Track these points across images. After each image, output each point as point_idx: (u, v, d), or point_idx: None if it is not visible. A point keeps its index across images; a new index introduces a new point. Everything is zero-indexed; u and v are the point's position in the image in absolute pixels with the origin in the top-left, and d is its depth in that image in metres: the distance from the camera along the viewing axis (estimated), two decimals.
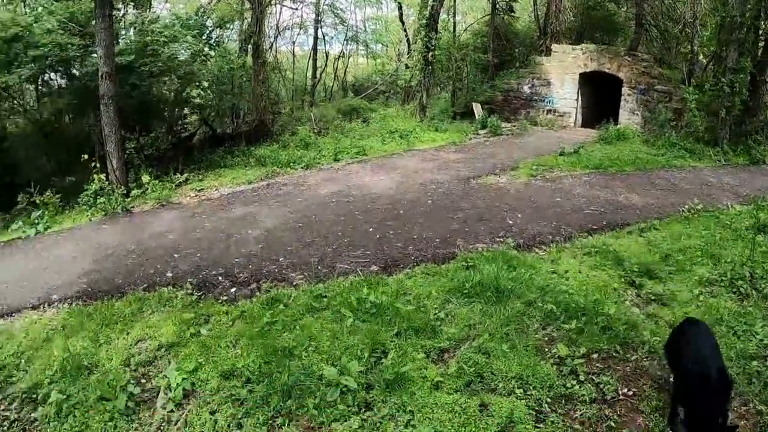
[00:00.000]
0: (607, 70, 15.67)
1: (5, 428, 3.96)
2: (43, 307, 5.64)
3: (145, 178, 10.14)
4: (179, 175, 11.02)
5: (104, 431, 3.79)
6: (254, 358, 4.27)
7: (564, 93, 16.78)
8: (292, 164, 11.85)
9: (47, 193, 9.77)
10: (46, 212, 9.34)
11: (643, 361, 4.17)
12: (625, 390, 3.86)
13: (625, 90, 15.39)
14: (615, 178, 9.67)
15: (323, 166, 11.95)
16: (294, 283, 5.78)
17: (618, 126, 14.22)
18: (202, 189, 10.36)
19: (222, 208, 8.92)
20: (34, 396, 4.21)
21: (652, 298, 5.13)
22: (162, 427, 3.81)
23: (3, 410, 4.16)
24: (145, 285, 5.96)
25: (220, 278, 6.08)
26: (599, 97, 16.75)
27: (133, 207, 9.41)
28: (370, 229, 7.34)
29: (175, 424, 3.82)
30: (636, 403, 3.74)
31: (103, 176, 9.70)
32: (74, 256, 7.02)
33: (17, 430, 3.95)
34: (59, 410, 3.97)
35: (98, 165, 9.82)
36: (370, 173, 10.97)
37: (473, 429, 3.44)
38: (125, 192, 9.76)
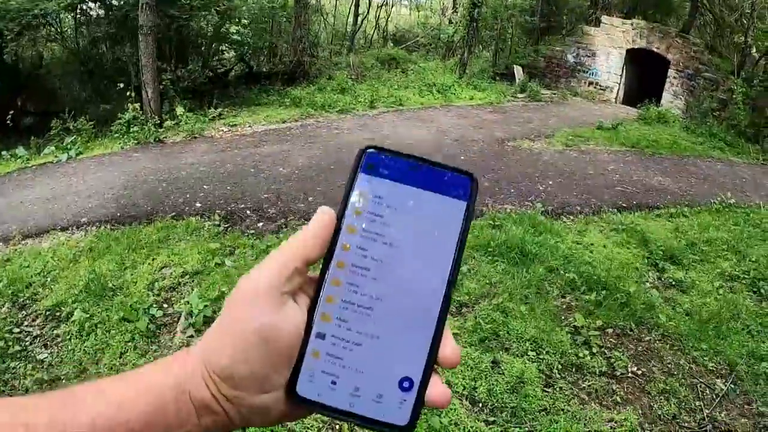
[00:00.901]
0: (655, 49, 15.01)
1: (28, 343, 4.02)
2: (72, 230, 5.68)
3: (179, 110, 10.00)
4: (213, 110, 10.85)
5: (124, 350, 3.84)
6: None
7: (608, 67, 16.16)
8: (327, 108, 11.62)
9: (81, 120, 9.74)
10: (79, 139, 9.36)
11: (656, 344, 4.11)
12: (635, 368, 3.82)
13: (671, 72, 14.77)
14: (650, 159, 9.39)
15: (358, 112, 11.72)
16: None
17: (659, 108, 13.70)
18: (235, 125, 10.21)
19: (254, 145, 8.81)
20: (58, 314, 4.27)
21: (673, 283, 5.03)
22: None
23: (27, 326, 4.23)
24: (173, 213, 5.94)
25: (248, 212, 6.06)
26: (643, 76, 16.11)
27: (165, 138, 9.34)
28: None
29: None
30: (643, 383, 3.69)
31: (137, 106, 9.60)
32: (105, 181, 7.00)
33: (39, 345, 4.01)
34: (81, 328, 4.03)
35: (133, 95, 9.72)
36: (405, 124, 10.75)
37: (483, 383, 3.43)
38: (158, 122, 9.66)
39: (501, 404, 3.31)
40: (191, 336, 3.96)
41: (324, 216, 0.53)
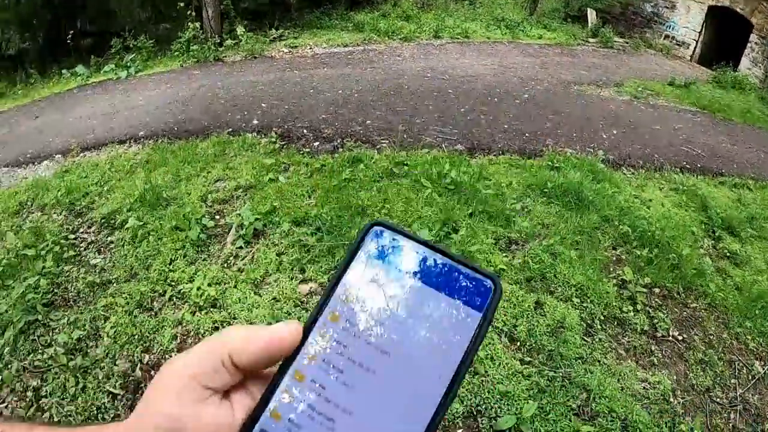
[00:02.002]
0: (739, 10, 13.69)
1: (82, 249, 4.07)
2: (129, 143, 5.70)
3: (240, 30, 9.75)
4: (274, 31, 10.48)
5: (174, 258, 3.85)
6: (327, 210, 4.17)
7: (687, 22, 14.90)
8: (390, 34, 11.08)
9: (141, 38, 9.61)
10: (139, 57, 9.33)
11: (701, 312, 3.87)
12: (676, 333, 3.62)
13: (753, 37, 13.53)
14: (720, 124, 8.73)
15: (422, 41, 11.14)
16: (377, 147, 5.56)
17: (736, 73, 12.69)
18: (296, 46, 9.88)
19: (314, 66, 8.55)
20: (113, 221, 4.30)
21: (727, 254, 4.70)
22: (229, 261, 3.83)
23: (82, 233, 4.27)
24: (230, 129, 5.85)
25: (304, 131, 5.89)
26: (723, 37, 14.87)
27: (225, 57, 9.21)
28: (462, 110, 6.90)
29: (242, 260, 3.83)
30: (683, 350, 3.50)
31: (197, 25, 9.39)
32: (163, 98, 6.98)
33: (93, 251, 4.06)
34: (134, 235, 4.05)
35: (193, 14, 9.50)
36: (470, 57, 10.20)
37: (524, 322, 3.29)
38: (218, 42, 9.48)
39: (539, 346, 3.17)
40: (240, 247, 3.93)
41: (285, 329, 0.44)
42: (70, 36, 9.92)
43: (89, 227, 4.34)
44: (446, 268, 0.45)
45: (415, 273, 0.45)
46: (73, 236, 4.23)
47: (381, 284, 0.45)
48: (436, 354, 0.42)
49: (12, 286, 3.60)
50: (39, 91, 8.90)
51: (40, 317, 3.43)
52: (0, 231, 4.35)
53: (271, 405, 0.43)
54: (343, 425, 0.41)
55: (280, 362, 0.44)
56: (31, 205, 4.75)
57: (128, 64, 8.99)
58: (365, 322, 0.44)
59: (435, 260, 0.45)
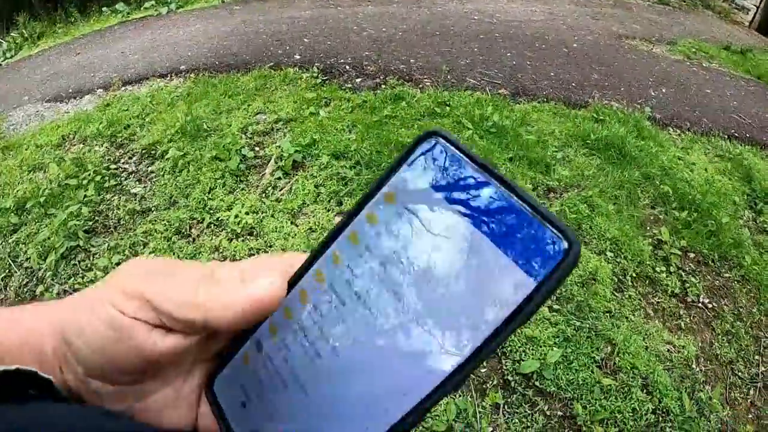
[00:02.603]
0: None
1: (123, 178, 4.09)
2: (170, 76, 5.61)
3: None
4: None
5: (213, 186, 3.84)
6: (367, 146, 4.09)
7: None
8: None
9: None
10: None
11: (734, 283, 3.75)
12: (706, 300, 3.52)
13: None
14: None
15: None
16: (420, 86, 5.39)
17: None
18: None
19: (358, 3, 8.23)
20: (153, 152, 4.29)
21: (767, 229, 4.53)
22: (267, 191, 3.82)
23: (123, 163, 4.28)
24: (271, 63, 5.69)
25: (347, 67, 5.70)
26: None
27: None
28: (508, 54, 6.61)
29: (280, 190, 3.81)
30: (711, 318, 3.41)
31: None
32: (204, 32, 6.84)
33: (133, 180, 4.07)
34: (175, 165, 4.04)
35: None
36: (519, 2, 9.71)
37: None
38: None
39: (569, 295, 3.10)
40: (279, 178, 3.91)
41: (266, 289, 0.37)
42: None
43: (130, 158, 4.35)
44: (508, 211, 0.33)
45: (463, 209, 0.34)
46: (114, 166, 4.26)
47: (418, 214, 0.36)
48: (459, 319, 0.33)
49: (54, 215, 3.68)
50: (79, 29, 8.82)
51: (81, 243, 3.49)
52: (43, 162, 4.40)
53: (278, 312, 0.39)
54: (329, 361, 0.37)
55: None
56: (73, 137, 4.76)
57: (169, 0, 8.77)
58: (387, 253, 0.36)
59: (496, 197, 0.33)
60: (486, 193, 0.34)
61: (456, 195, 0.35)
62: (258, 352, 0.40)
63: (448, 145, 0.36)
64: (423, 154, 0.37)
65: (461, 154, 0.36)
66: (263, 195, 3.80)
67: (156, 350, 0.36)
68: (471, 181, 0.35)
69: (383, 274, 0.36)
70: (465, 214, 0.34)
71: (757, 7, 14.09)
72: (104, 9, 9.24)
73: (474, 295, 0.33)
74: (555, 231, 0.32)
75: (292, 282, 0.40)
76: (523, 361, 2.72)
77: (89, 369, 0.37)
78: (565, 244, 0.31)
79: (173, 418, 0.41)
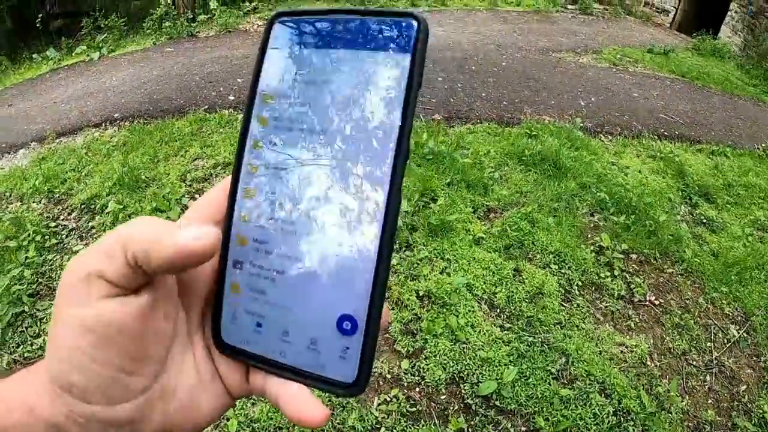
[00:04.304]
0: None
1: (64, 236, 4.06)
2: (105, 125, 5.64)
3: (213, 4, 9.66)
4: (247, 3, 10.40)
5: None
6: None
7: None
8: (366, 4, 10.90)
9: (112, 17, 9.49)
10: (111, 36, 9.26)
11: (678, 278, 3.99)
12: (653, 298, 3.72)
13: (733, 6, 13.64)
14: (699, 92, 8.86)
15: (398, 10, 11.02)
16: None
17: (716, 41, 12.86)
18: None
19: None
20: (93, 206, 4.28)
21: (704, 221, 4.83)
22: None
23: (62, 220, 4.25)
24: (206, 106, 5.80)
25: None
26: (703, 4, 15.01)
27: (198, 32, 9.11)
28: (439, 79, 6.89)
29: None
30: (659, 314, 3.61)
31: (169, 1, 9.36)
32: (137, 77, 6.90)
33: (75, 237, 4.05)
34: (115, 219, 4.05)
35: None
36: (447, 25, 10.19)
37: (503, 289, 3.35)
38: (191, 17, 9.42)
39: (518, 312, 3.25)
40: None
41: (198, 236, 0.37)
42: (39, 19, 9.74)
43: (69, 214, 4.32)
44: (359, 25, 0.40)
45: (327, 46, 0.41)
46: (54, 224, 4.21)
47: (300, 70, 0.41)
48: (377, 113, 0.39)
49: None
50: (10, 78, 8.76)
51: (26, 308, 3.44)
52: None
53: (235, 222, 0.42)
54: (302, 223, 0.40)
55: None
56: (10, 195, 4.70)
57: (100, 44, 8.87)
58: (293, 115, 0.41)
59: (346, 23, 0.41)
60: (339, 25, 0.41)
61: (319, 42, 0.41)
62: (240, 270, 0.41)
63: (291, 18, 0.43)
64: (277, 35, 0.43)
65: (306, 16, 0.42)
66: None
67: (132, 312, 0.37)
68: (325, 25, 0.41)
69: (296, 140, 0.41)
70: (332, 49, 0.41)
71: (677, 8, 15.00)
72: (34, 56, 9.19)
73: (377, 88, 0.39)
74: (403, 16, 0.40)
75: (230, 202, 0.43)
76: (480, 383, 2.83)
77: (99, 397, 0.37)
78: (413, 19, 0.39)
79: (211, 401, 0.43)
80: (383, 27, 0.40)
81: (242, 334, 0.41)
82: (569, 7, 14.30)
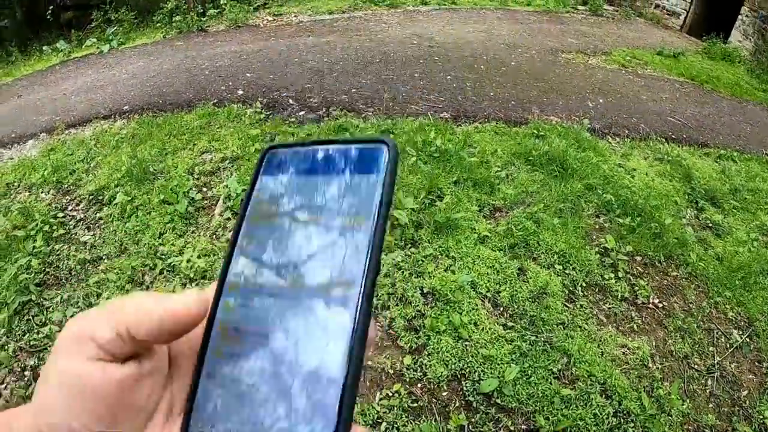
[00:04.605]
0: None
1: (71, 226, 4.12)
2: (114, 117, 5.69)
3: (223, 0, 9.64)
4: None
5: (163, 231, 3.91)
6: None
7: None
8: (375, 1, 10.95)
9: (122, 10, 9.50)
10: (121, 29, 9.27)
11: (682, 281, 3.99)
12: (656, 301, 3.73)
13: (744, 10, 13.56)
14: (708, 95, 8.83)
15: (409, 7, 11.01)
16: (363, 115, 5.58)
17: (726, 45, 12.78)
18: (280, 14, 9.82)
19: (299, 34, 8.51)
20: (101, 197, 4.34)
21: (709, 225, 4.82)
22: (217, 232, 3.89)
23: (70, 210, 4.32)
24: (215, 101, 5.83)
25: (290, 101, 5.87)
26: (714, 7, 14.93)
27: (208, 27, 9.14)
28: (448, 77, 6.89)
29: (230, 230, 3.85)
30: (662, 317, 3.62)
31: None
32: (147, 70, 6.94)
33: (82, 228, 4.11)
34: (123, 210, 4.11)
35: None
36: (457, 24, 10.13)
37: (507, 288, 3.37)
38: (201, 11, 9.41)
39: (521, 311, 3.26)
40: (228, 218, 3.99)
41: (184, 302, 0.41)
42: (49, 11, 9.76)
43: (78, 204, 4.37)
44: (336, 154, 0.44)
45: (307, 174, 0.45)
46: (62, 214, 4.27)
47: (282, 196, 0.45)
48: (349, 233, 0.41)
49: (4, 268, 3.68)
50: (20, 69, 8.82)
51: (33, 297, 3.50)
52: None
53: (213, 335, 0.43)
54: (272, 343, 0.40)
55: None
56: (18, 185, 4.76)
57: (110, 37, 8.90)
58: (273, 237, 0.44)
59: (325, 152, 0.44)
60: (318, 155, 0.45)
61: (299, 172, 0.45)
62: (212, 379, 0.42)
63: (282, 150, 0.47)
64: (268, 165, 0.47)
65: (296, 147, 0.46)
66: (213, 237, 3.85)
67: (111, 380, 0.38)
68: (307, 156, 0.45)
69: (273, 260, 0.43)
70: (311, 178, 0.44)
71: (687, 11, 14.92)
72: (45, 48, 9.25)
73: (349, 208, 0.41)
74: (374, 142, 0.43)
75: (212, 311, 0.44)
76: (482, 380, 2.85)
77: None
78: (383, 144, 0.42)
79: None
80: (358, 153, 0.43)
81: None
82: (579, 8, 14.25)
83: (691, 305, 3.80)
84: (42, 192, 4.56)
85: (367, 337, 0.38)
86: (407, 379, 2.88)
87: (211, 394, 0.42)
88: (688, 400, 3.15)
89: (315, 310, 0.40)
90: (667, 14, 15.17)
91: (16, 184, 4.77)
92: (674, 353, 3.40)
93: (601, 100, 7.03)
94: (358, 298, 0.39)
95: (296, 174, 0.45)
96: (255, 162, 0.47)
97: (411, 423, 2.68)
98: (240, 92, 6.08)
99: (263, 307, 0.42)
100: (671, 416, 3.00)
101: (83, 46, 8.92)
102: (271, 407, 0.39)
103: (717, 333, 3.65)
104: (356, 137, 0.45)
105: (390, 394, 2.80)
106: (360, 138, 0.44)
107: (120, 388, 0.39)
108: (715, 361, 3.44)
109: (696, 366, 3.39)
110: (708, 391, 3.28)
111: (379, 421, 2.68)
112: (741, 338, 3.66)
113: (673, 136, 6.48)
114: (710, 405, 3.20)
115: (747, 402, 3.25)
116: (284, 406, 0.39)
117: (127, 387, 0.40)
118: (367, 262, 0.39)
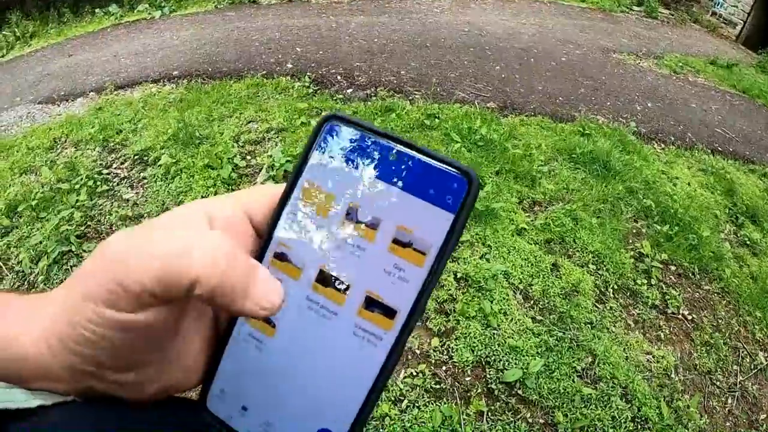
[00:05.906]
0: None
1: (115, 183, 4.17)
2: (163, 82, 5.73)
3: None
4: None
5: (205, 194, 3.90)
6: None
7: (736, 0, 14.39)
8: None
9: None
10: None
11: (713, 296, 3.91)
12: (686, 312, 3.66)
13: None
14: (759, 111, 8.52)
15: None
16: (410, 98, 5.55)
17: None
18: None
19: (351, 13, 8.43)
20: (146, 158, 4.39)
21: (747, 242, 4.69)
22: None
23: (115, 168, 4.36)
24: (264, 72, 5.85)
25: (338, 77, 5.88)
26: None
27: None
28: (497, 68, 6.79)
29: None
30: (690, 329, 3.55)
31: None
32: (197, 38, 6.95)
33: (126, 186, 4.16)
34: (167, 172, 4.15)
35: None
36: (509, 14, 9.93)
37: (539, 282, 3.34)
38: None
39: (551, 306, 3.23)
40: None
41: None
42: None
43: (122, 163, 4.42)
44: (413, 165, 0.38)
45: (375, 174, 0.39)
46: (106, 171, 4.33)
47: (334, 188, 0.40)
48: (403, 264, 0.38)
49: (47, 219, 3.74)
50: (72, 30, 8.85)
51: (73, 248, 3.55)
52: (35, 166, 4.46)
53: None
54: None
55: None
56: (65, 140, 4.82)
57: (162, 3, 8.87)
58: (316, 236, 0.40)
59: (400, 156, 0.39)
60: (392, 156, 0.39)
61: (365, 166, 0.39)
62: (240, 350, 0.41)
63: (344, 124, 0.41)
64: (326, 136, 0.41)
65: (359, 129, 0.40)
66: None
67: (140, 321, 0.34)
68: (374, 148, 0.39)
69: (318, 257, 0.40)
70: (379, 179, 0.39)
71: (744, 22, 14.39)
72: (97, 10, 9.28)
73: (416, 234, 0.38)
74: (458, 171, 0.38)
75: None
76: (506, 370, 2.85)
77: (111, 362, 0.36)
78: (466, 179, 0.37)
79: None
80: (436, 174, 0.38)
81: (227, 410, 0.41)
82: (634, 8, 13.83)
83: (720, 321, 3.72)
84: (88, 149, 4.61)
85: (401, 352, 0.38)
86: (433, 361, 2.88)
87: (232, 375, 0.41)
88: (706, 416, 3.10)
89: (358, 317, 0.39)
90: (723, 23, 14.65)
91: (63, 139, 4.83)
92: (698, 367, 3.34)
93: (649, 104, 6.86)
94: (400, 331, 0.38)
95: (360, 163, 0.40)
96: (312, 129, 0.42)
97: (432, 404, 2.69)
98: (289, 65, 6.09)
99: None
100: (687, 429, 2.96)
101: (135, 11, 8.93)
102: (292, 391, 0.39)
103: (743, 352, 3.58)
104: (438, 153, 0.39)
105: (414, 374, 2.81)
106: (442, 157, 0.38)
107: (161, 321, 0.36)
108: (738, 380, 3.38)
109: (718, 383, 3.33)
110: (727, 409, 3.22)
111: (401, 398, 2.69)
112: (766, 360, 3.58)
113: (719, 149, 6.30)
114: (727, 423, 3.15)
115: (764, 425, 3.18)
116: (306, 396, 0.39)
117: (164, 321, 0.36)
118: (416, 303, 0.37)
